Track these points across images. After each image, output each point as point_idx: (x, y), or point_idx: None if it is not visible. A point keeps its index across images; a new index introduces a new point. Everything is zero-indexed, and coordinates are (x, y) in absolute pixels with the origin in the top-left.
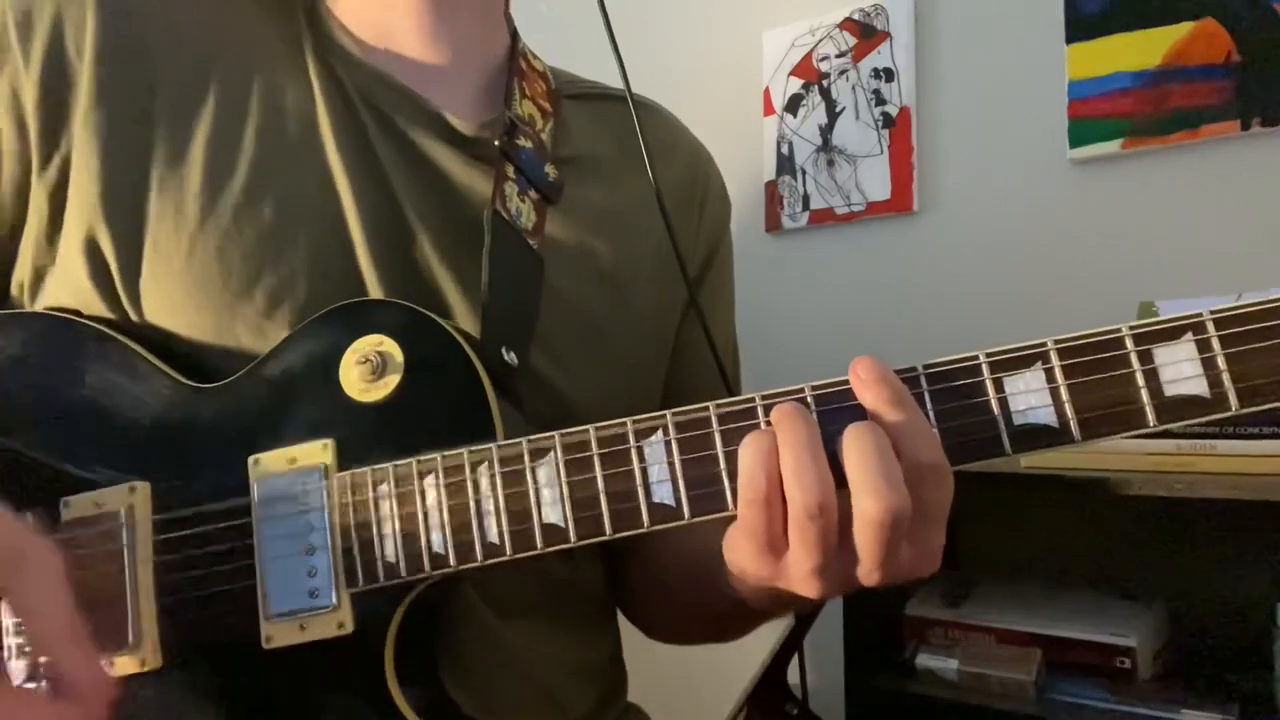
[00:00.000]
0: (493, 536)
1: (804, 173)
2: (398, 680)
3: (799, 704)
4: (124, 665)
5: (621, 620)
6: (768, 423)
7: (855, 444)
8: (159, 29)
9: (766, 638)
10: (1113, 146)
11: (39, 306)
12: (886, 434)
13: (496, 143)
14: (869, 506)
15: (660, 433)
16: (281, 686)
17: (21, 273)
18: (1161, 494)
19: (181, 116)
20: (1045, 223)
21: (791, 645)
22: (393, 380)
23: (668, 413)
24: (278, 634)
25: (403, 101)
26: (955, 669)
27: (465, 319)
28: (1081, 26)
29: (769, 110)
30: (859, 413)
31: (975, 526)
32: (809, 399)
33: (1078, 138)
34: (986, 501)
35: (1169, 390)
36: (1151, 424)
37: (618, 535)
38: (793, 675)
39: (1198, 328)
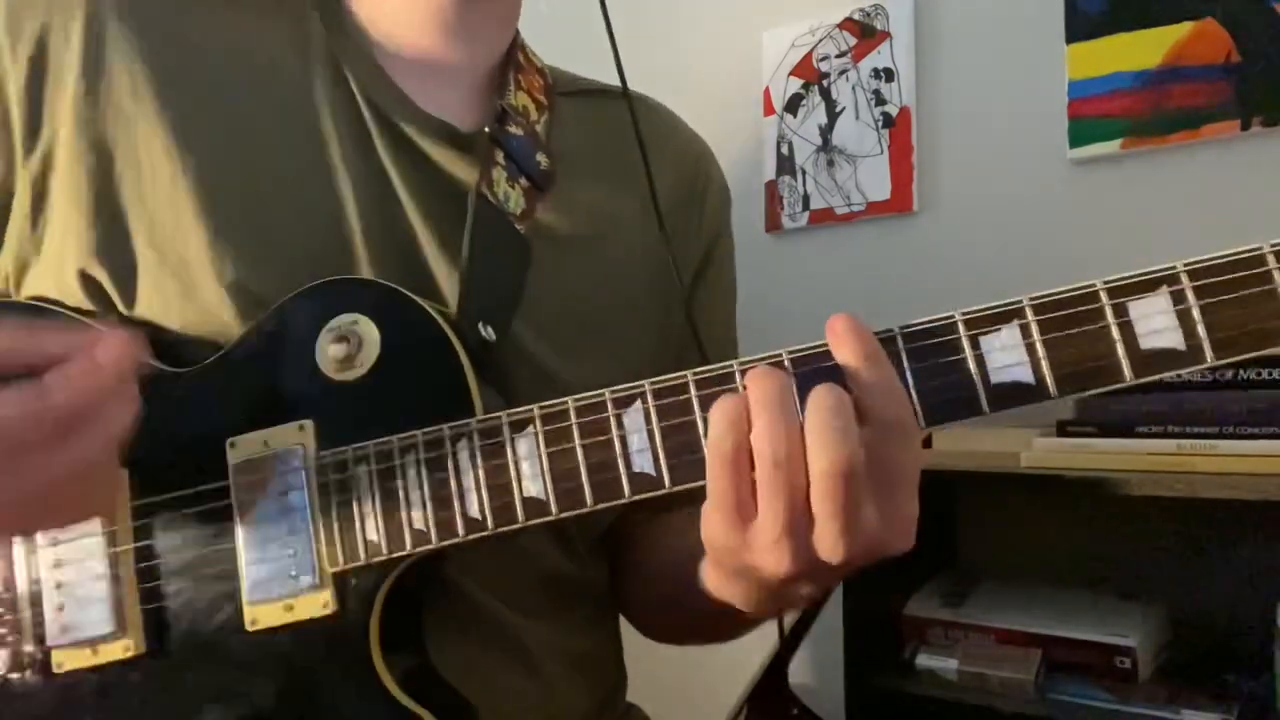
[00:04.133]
0: (474, 511)
1: (804, 173)
2: (384, 658)
3: (800, 704)
4: (109, 652)
5: (622, 620)
6: (745, 387)
7: (813, 402)
8: (154, 25)
9: (766, 638)
10: (1113, 146)
11: (23, 298)
12: (858, 388)
13: (486, 129)
14: (818, 459)
15: (639, 401)
16: (267, 668)
17: (5, 263)
18: (1161, 494)
19: (177, 109)
20: (1045, 223)
21: (792, 645)
22: (369, 358)
23: (645, 382)
24: (261, 616)
25: (401, 101)
26: (955, 669)
27: (454, 302)
28: (1081, 26)
29: (769, 110)
30: (835, 374)
31: (975, 526)
32: (786, 362)
33: (1078, 138)
34: (986, 501)
35: (1144, 344)
36: (1128, 378)
37: (599, 506)
38: (794, 675)
39: (1172, 279)
